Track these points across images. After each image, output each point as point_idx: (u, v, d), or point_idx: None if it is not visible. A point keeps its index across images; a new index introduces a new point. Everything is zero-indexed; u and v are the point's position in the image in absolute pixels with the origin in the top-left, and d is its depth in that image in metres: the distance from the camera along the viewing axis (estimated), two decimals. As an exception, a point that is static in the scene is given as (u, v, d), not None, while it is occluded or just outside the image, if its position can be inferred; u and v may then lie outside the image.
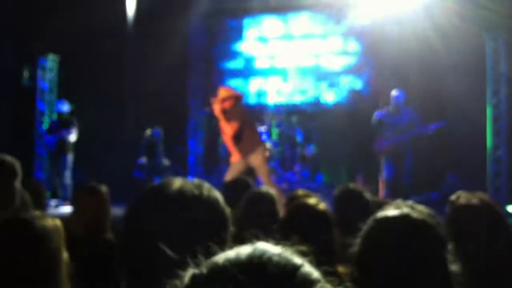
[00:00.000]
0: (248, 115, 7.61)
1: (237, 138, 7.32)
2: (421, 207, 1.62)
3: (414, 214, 1.55)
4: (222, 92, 7.56)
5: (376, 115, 8.41)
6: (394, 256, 1.47)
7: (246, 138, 7.34)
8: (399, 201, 1.66)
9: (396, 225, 1.52)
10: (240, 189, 4.10)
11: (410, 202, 1.66)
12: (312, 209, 2.47)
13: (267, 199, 3.24)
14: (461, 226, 2.24)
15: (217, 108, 7.37)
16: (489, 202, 2.46)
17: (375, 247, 1.52)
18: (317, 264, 0.80)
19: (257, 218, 3.03)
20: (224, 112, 7.34)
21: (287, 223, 2.45)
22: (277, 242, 0.82)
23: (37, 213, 1.86)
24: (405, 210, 1.57)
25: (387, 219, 1.54)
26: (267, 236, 0.87)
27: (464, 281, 1.97)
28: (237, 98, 7.53)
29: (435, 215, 1.62)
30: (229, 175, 7.23)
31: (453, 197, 2.53)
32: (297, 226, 2.35)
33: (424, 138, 8.06)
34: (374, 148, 8.33)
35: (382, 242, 1.51)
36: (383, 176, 8.34)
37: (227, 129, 7.34)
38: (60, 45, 10.03)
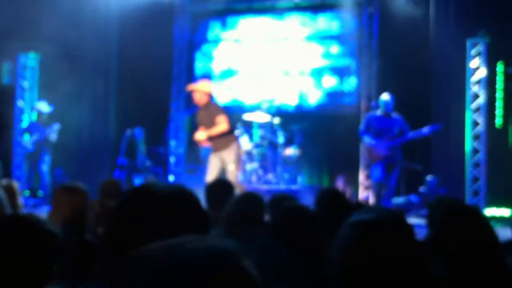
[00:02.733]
0: (225, 112, 7.66)
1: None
2: (392, 210, 1.64)
3: (385, 218, 1.57)
4: (207, 85, 7.62)
5: (366, 118, 8.39)
6: (369, 260, 1.48)
7: (221, 134, 7.41)
8: (371, 205, 1.68)
9: (368, 229, 1.54)
10: (224, 190, 4.09)
11: (381, 205, 1.67)
12: (303, 212, 2.46)
13: (255, 202, 3.22)
14: (441, 230, 2.26)
15: (203, 98, 7.40)
16: (468, 206, 2.48)
17: (350, 251, 1.53)
18: (307, 267, 0.82)
19: (244, 220, 3.03)
20: (207, 104, 7.41)
21: (278, 226, 2.43)
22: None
23: (38, 217, 1.84)
24: (377, 213, 1.58)
25: (360, 223, 1.55)
26: (253, 238, 0.88)
27: (445, 284, 1.99)
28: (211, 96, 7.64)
29: (405, 217, 1.65)
30: (209, 175, 7.27)
31: (432, 201, 2.55)
32: (288, 229, 2.34)
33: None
34: (371, 153, 8.18)
35: (356, 247, 1.52)
36: (372, 179, 8.29)
37: (206, 120, 7.39)
38: (42, 43, 9.93)
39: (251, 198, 3.22)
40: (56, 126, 9.22)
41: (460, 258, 2.10)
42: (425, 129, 7.77)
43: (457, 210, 2.33)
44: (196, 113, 7.68)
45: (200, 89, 7.44)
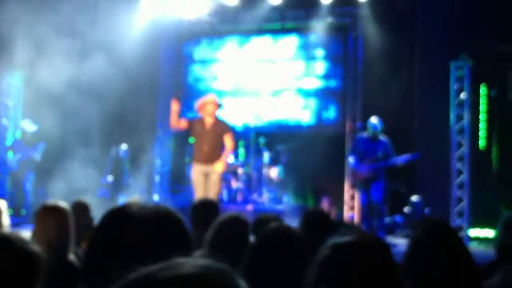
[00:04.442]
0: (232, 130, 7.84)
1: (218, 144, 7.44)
2: (365, 231, 1.65)
3: (363, 240, 1.58)
4: (214, 96, 7.71)
5: (355, 139, 8.61)
6: (348, 283, 1.49)
7: (217, 150, 7.44)
8: (346, 227, 1.69)
9: (347, 252, 1.54)
10: (209, 211, 4.07)
11: (357, 227, 1.69)
12: (288, 233, 2.43)
13: (240, 224, 3.20)
14: (422, 252, 2.26)
15: (214, 108, 7.48)
16: (449, 227, 2.50)
17: (329, 274, 1.53)
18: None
19: (229, 241, 3.00)
20: (216, 116, 7.54)
21: (262, 247, 2.39)
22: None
23: (21, 237, 1.81)
24: (354, 236, 1.59)
25: (339, 246, 1.56)
26: (238, 260, 0.87)
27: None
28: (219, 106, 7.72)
29: (379, 238, 1.67)
30: (199, 193, 7.27)
31: (416, 222, 2.56)
32: (273, 250, 2.31)
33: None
34: (354, 173, 8.37)
35: (335, 270, 1.52)
36: (360, 201, 8.49)
37: (212, 131, 7.41)
38: (26, 61, 9.89)
39: (236, 220, 3.20)
40: (41, 146, 9.18)
41: (438, 278, 2.11)
42: (405, 157, 7.91)
43: (437, 230, 2.34)
44: (196, 122, 7.63)
45: (211, 101, 7.48)
